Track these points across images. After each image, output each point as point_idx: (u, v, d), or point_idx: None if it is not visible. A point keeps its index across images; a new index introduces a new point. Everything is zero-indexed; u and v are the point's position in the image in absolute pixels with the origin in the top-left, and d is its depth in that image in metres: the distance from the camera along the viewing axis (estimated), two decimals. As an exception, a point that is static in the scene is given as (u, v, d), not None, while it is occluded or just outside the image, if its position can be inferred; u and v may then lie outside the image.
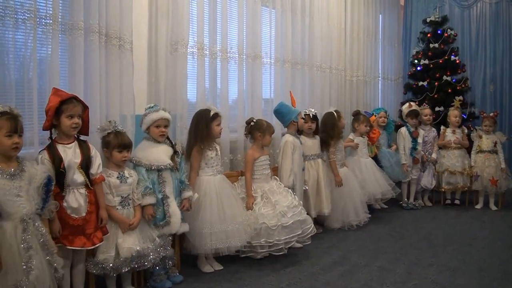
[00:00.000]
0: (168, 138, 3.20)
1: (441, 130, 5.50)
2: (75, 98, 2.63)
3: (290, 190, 3.73)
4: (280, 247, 3.46)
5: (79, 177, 2.59)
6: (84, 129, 2.73)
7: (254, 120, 3.76)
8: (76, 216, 2.57)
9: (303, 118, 4.22)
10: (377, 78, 6.76)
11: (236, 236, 3.27)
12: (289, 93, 4.43)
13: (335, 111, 4.61)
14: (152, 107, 3.12)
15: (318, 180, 4.32)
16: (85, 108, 2.70)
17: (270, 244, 3.43)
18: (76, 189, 2.59)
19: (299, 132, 4.23)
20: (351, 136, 4.96)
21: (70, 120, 2.57)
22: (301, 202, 3.77)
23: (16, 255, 2.14)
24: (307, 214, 3.80)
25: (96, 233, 2.65)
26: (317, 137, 4.43)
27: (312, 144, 4.35)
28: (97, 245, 2.66)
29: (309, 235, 3.65)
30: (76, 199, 2.58)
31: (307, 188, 4.19)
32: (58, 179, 2.50)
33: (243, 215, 3.40)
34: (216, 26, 4.13)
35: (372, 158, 5.05)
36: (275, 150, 4.48)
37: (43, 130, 2.65)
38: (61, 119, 2.57)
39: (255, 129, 3.71)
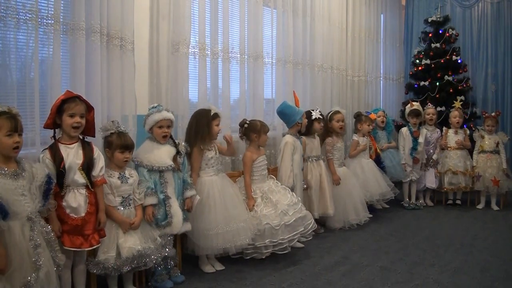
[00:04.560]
0: (171, 137, 3.20)
1: (443, 131, 5.49)
2: (78, 98, 2.63)
3: (289, 190, 3.73)
4: (284, 245, 3.47)
5: (80, 178, 2.59)
6: (89, 130, 2.73)
7: (248, 122, 3.76)
8: (75, 216, 2.56)
9: (316, 119, 4.29)
10: (379, 78, 6.75)
11: (242, 234, 3.29)
12: (289, 93, 4.44)
13: (335, 111, 4.63)
14: (155, 107, 3.12)
15: (321, 181, 4.33)
16: (90, 109, 2.70)
17: (275, 243, 3.43)
18: (76, 189, 2.59)
19: (301, 133, 4.24)
20: (355, 137, 4.96)
21: (71, 119, 2.57)
22: (299, 199, 3.77)
23: (24, 254, 2.15)
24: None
25: (94, 235, 2.64)
26: (317, 138, 4.46)
27: (314, 144, 4.38)
28: (94, 247, 2.65)
29: (310, 231, 3.65)
30: (75, 199, 2.57)
31: (306, 186, 4.20)
32: (58, 179, 2.51)
33: (247, 213, 3.41)
34: (217, 26, 4.13)
35: (375, 157, 5.07)
36: (276, 150, 4.48)
37: (44, 128, 2.66)
38: (63, 118, 2.58)
39: (250, 131, 3.71)
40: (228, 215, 3.28)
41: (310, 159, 4.32)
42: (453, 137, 5.43)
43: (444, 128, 5.52)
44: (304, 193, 4.22)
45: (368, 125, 4.96)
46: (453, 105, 5.66)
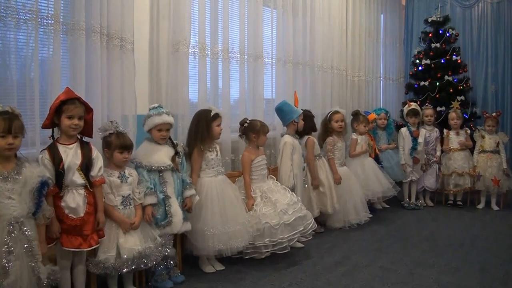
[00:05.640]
0: (170, 138, 3.20)
1: (445, 133, 5.49)
2: (78, 99, 2.63)
3: (290, 190, 3.73)
4: (284, 245, 3.46)
5: (78, 178, 2.58)
6: (87, 131, 2.73)
7: (248, 121, 3.75)
8: (74, 216, 2.56)
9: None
10: (379, 78, 6.75)
11: (238, 237, 3.27)
12: (289, 93, 4.44)
13: (334, 111, 4.65)
14: (156, 108, 3.11)
15: (328, 177, 4.38)
16: (89, 110, 2.70)
17: (274, 243, 3.43)
18: (75, 190, 2.58)
19: (306, 132, 4.26)
20: (354, 135, 4.96)
21: (69, 121, 2.57)
22: (299, 198, 3.77)
23: None
24: (321, 212, 4.10)
25: (93, 235, 2.64)
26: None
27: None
28: (93, 247, 2.65)
29: (310, 231, 3.65)
30: (74, 199, 2.57)
31: (306, 186, 4.22)
32: (57, 179, 2.50)
33: (245, 215, 3.40)
34: (217, 26, 4.12)
35: (374, 158, 5.06)
36: (276, 150, 4.48)
37: (42, 128, 2.66)
38: (61, 118, 2.57)
39: (249, 130, 3.71)
40: (226, 216, 3.27)
41: (317, 157, 4.37)
42: (455, 138, 5.43)
43: (444, 131, 5.51)
44: (317, 191, 4.29)
45: (364, 126, 4.93)
46: (451, 106, 5.66)
